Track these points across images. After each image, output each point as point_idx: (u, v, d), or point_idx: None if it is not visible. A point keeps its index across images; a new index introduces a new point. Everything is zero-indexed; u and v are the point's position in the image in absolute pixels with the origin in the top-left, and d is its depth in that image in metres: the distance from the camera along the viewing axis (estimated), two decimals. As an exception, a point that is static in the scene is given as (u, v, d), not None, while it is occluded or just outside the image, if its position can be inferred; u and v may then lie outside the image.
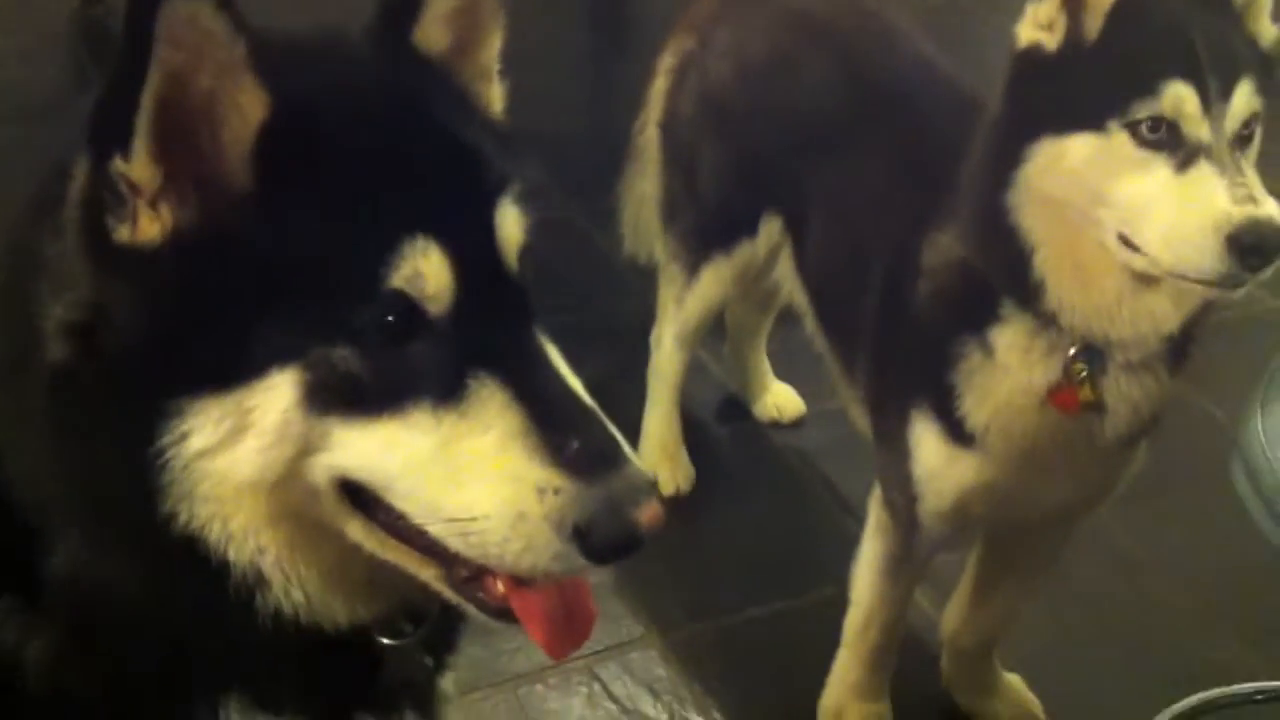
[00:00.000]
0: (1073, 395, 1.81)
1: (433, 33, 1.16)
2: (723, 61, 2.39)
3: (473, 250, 1.04)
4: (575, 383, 1.07)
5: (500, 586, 1.08)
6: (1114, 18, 1.70)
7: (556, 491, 1.00)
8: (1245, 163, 1.67)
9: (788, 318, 2.70)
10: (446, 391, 1.02)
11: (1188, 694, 2.19)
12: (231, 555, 1.05)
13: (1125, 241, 1.68)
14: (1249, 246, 1.59)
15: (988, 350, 1.85)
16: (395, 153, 1.05)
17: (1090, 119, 1.68)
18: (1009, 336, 1.83)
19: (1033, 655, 2.43)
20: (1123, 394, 1.83)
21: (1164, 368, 1.84)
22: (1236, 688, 2.26)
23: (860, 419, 2.23)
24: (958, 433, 1.91)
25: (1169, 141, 1.65)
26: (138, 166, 0.97)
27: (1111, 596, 2.62)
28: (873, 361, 2.12)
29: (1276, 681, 2.34)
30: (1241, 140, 1.67)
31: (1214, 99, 1.64)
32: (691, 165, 2.47)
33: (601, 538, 1.01)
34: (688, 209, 2.53)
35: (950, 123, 2.05)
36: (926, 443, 1.95)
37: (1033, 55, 1.74)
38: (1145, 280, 1.71)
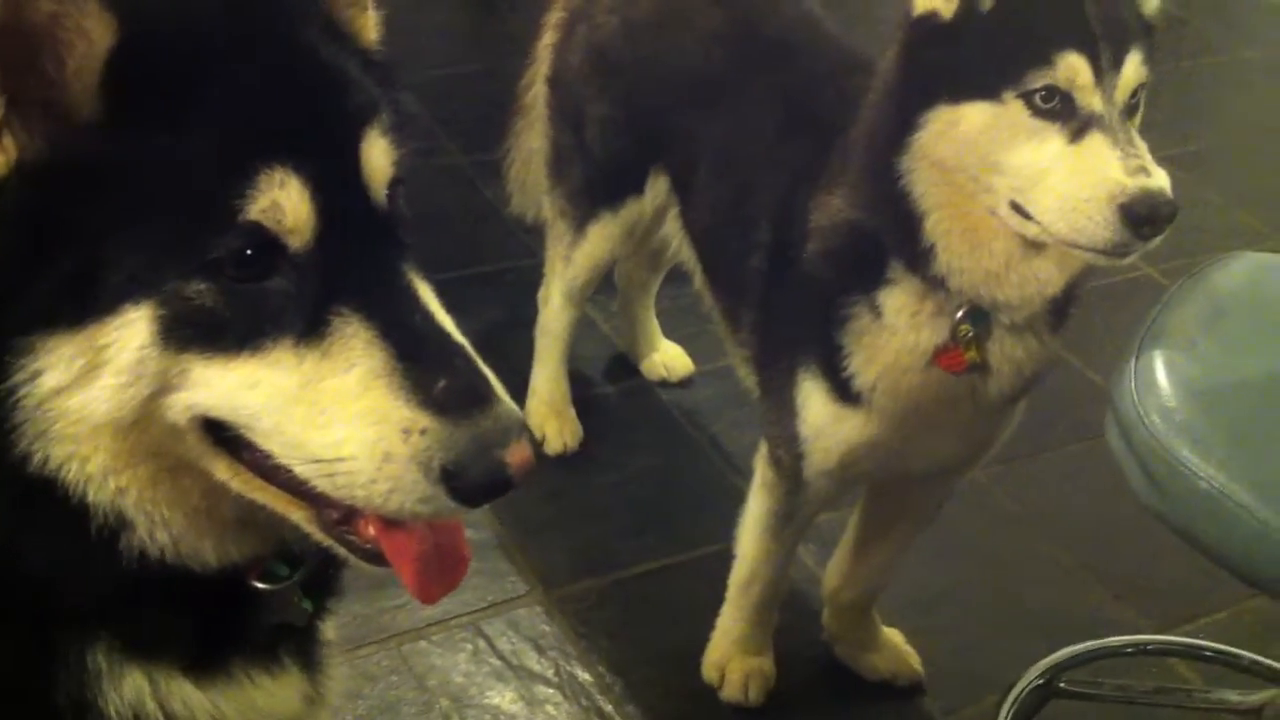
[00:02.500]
0: (958, 356, 1.83)
1: None
2: (610, 16, 2.37)
3: (336, 181, 1.01)
4: (446, 320, 1.04)
5: (370, 529, 1.05)
6: None
7: (423, 431, 0.97)
8: (1134, 132, 1.69)
9: (677, 275, 2.70)
10: (308, 328, 0.99)
11: (1061, 646, 2.24)
12: (91, 496, 1.02)
13: (1018, 209, 1.70)
14: (1142, 216, 1.61)
15: (876, 311, 1.86)
16: (252, 79, 1.01)
17: (985, 88, 1.68)
18: (897, 298, 1.84)
19: (912, 608, 2.47)
20: (1006, 354, 1.85)
21: (1046, 329, 1.88)
22: (1107, 641, 2.31)
23: (748, 377, 2.24)
24: (844, 392, 1.92)
25: (1063, 111, 1.66)
26: None
27: (987, 551, 2.68)
28: (760, 320, 2.12)
29: (1145, 636, 2.42)
30: (1130, 109, 1.70)
31: (1106, 69, 1.66)
32: (578, 121, 2.44)
33: (469, 479, 0.98)
34: (574, 166, 2.50)
35: (835, 81, 2.05)
36: (813, 401, 1.96)
37: (928, 22, 1.74)
38: (1034, 245, 1.73)
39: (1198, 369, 1.64)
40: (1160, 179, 1.63)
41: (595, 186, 2.49)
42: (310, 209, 0.98)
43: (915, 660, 2.39)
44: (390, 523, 1.04)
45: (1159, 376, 1.61)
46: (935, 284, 1.79)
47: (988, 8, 1.71)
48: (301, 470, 1.01)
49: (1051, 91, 1.66)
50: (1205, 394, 1.60)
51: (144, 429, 1.01)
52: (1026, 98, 1.66)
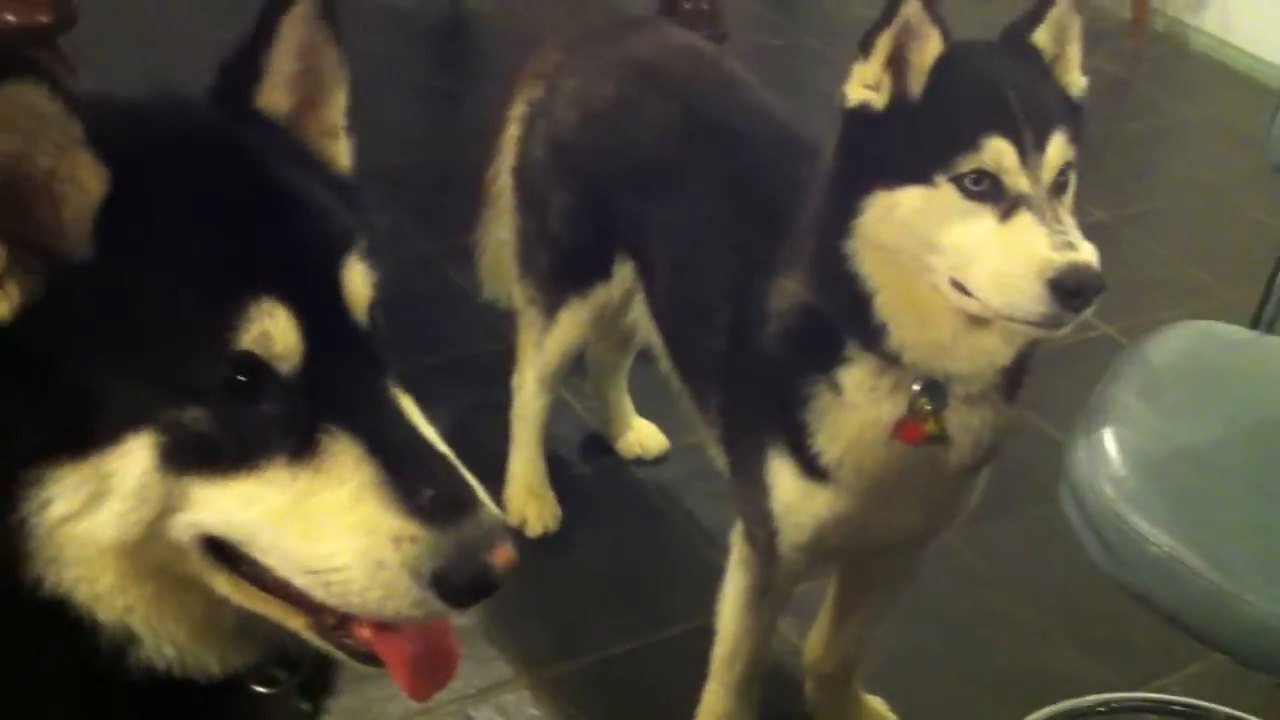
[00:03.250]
0: (917, 428, 1.89)
1: (275, 95, 1.19)
2: (569, 110, 2.44)
3: (320, 308, 1.07)
4: (429, 431, 1.10)
5: (365, 632, 1.11)
6: (935, 76, 1.79)
7: (412, 540, 1.03)
8: (1062, 209, 1.76)
9: (648, 354, 2.75)
10: (300, 447, 1.04)
11: (1036, 707, 2.28)
12: (100, 615, 1.07)
13: (957, 286, 1.76)
14: (1070, 289, 1.68)
15: (836, 389, 1.92)
16: (237, 214, 1.07)
17: (918, 173, 1.76)
18: (855, 376, 1.90)
19: (888, 674, 2.51)
20: (964, 424, 1.91)
21: (1000, 398, 1.94)
22: (1081, 700, 2.36)
23: (718, 456, 2.28)
24: (812, 468, 1.97)
25: (991, 192, 1.73)
26: None
27: (960, 613, 2.72)
28: (726, 401, 2.18)
29: (1117, 694, 2.47)
30: (1058, 187, 1.77)
31: (1030, 151, 1.73)
32: (544, 211, 2.51)
33: (458, 582, 1.04)
34: (542, 254, 2.57)
35: (785, 168, 2.12)
36: (782, 479, 2.01)
37: (863, 113, 1.82)
38: (978, 320, 1.80)
39: (1145, 439, 1.71)
40: (1086, 253, 1.70)
41: (563, 274, 2.55)
42: (297, 335, 1.04)
43: (896, 727, 2.43)
44: (383, 625, 1.10)
45: (1108, 447, 1.68)
46: (890, 360, 1.86)
47: (917, 98, 1.79)
48: (299, 581, 1.06)
49: (980, 174, 1.73)
50: (1153, 463, 1.67)
51: (149, 549, 1.06)
52: (957, 181, 1.74)
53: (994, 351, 1.84)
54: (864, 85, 1.82)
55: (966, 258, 1.74)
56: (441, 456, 1.09)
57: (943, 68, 1.79)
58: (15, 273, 1.01)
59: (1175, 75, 5.41)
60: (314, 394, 1.05)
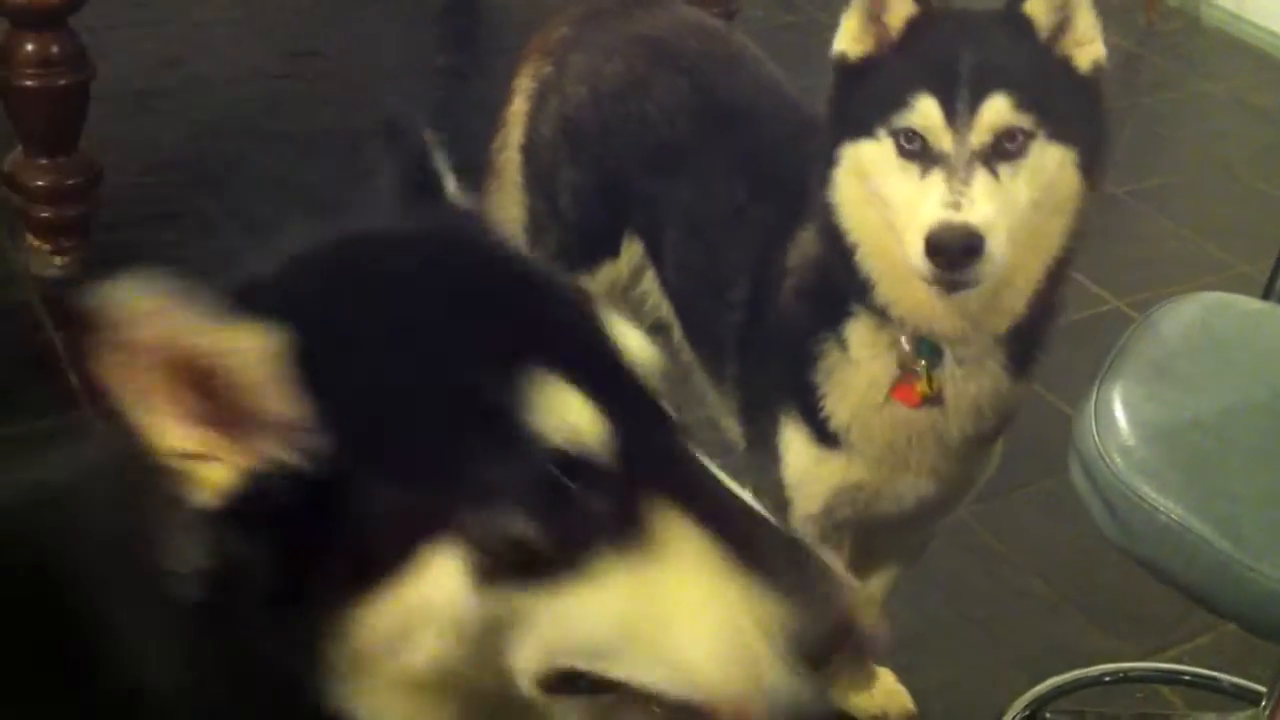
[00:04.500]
0: (911, 388, 1.90)
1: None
2: (579, 86, 2.43)
3: (608, 376, 0.96)
4: (737, 487, 0.98)
5: None
6: (905, 36, 1.82)
7: (776, 622, 0.90)
8: (1001, 175, 1.74)
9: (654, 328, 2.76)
10: (626, 536, 0.92)
11: (1045, 678, 2.29)
12: None
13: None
14: (937, 247, 1.69)
15: (843, 346, 1.93)
16: (488, 306, 0.97)
17: (869, 127, 1.80)
18: (859, 332, 1.92)
19: (899, 648, 2.49)
20: (960, 389, 1.91)
21: (1003, 368, 1.93)
22: (1089, 670, 2.37)
23: (732, 429, 2.29)
24: (823, 434, 1.98)
25: (921, 151, 1.76)
26: (171, 440, 0.90)
27: (970, 586, 2.72)
28: (741, 371, 2.18)
29: (1127, 664, 2.47)
30: (1005, 154, 1.74)
31: (960, 112, 1.74)
32: (552, 189, 2.51)
33: (838, 658, 0.92)
34: (550, 231, 2.57)
35: (795, 142, 2.13)
36: (795, 446, 2.02)
37: (842, 64, 1.86)
38: None
39: (1155, 408, 1.71)
40: (970, 214, 1.69)
41: (571, 251, 2.55)
42: (596, 415, 0.93)
43: (906, 699, 2.44)
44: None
45: (1118, 417, 1.68)
46: (884, 316, 1.87)
47: (887, 50, 1.82)
48: (658, 689, 0.94)
49: (911, 133, 1.76)
50: (1163, 432, 1.67)
51: (469, 681, 0.94)
52: (895, 137, 1.77)
53: (976, 314, 1.83)
54: (849, 36, 1.86)
55: (896, 214, 1.78)
56: (765, 518, 0.97)
57: (914, 28, 1.82)
58: (238, 449, 0.90)
59: (1188, 50, 5.38)
60: (628, 474, 0.93)
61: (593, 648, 0.93)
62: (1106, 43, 1.86)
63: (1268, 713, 2.11)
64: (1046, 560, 2.78)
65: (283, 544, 0.90)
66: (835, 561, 0.98)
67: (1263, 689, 2.25)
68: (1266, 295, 2.10)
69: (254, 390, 0.90)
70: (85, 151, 3.24)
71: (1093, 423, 1.69)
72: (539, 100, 2.55)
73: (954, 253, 1.69)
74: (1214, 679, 2.37)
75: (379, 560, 0.90)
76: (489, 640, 0.92)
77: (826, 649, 0.91)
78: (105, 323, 0.85)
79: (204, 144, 3.85)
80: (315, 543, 0.91)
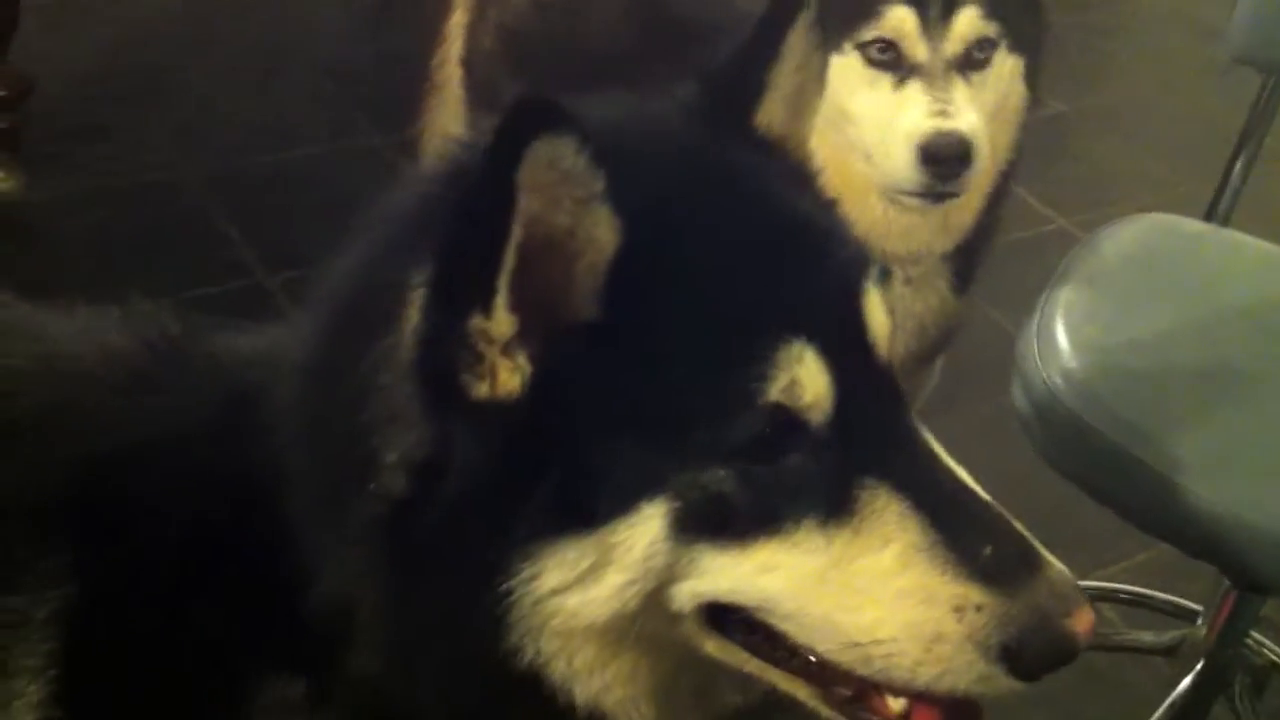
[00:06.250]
0: None
1: (772, 112, 1.08)
2: (519, -2, 2.38)
3: (846, 346, 0.94)
4: (967, 476, 0.97)
5: (893, 705, 0.97)
6: None
7: (977, 608, 0.89)
8: (959, 83, 1.75)
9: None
10: (834, 506, 0.91)
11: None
12: (576, 694, 0.96)
13: (869, 158, 1.77)
14: (932, 155, 1.69)
15: None
16: (756, 254, 0.95)
17: (832, 40, 1.76)
18: None
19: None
20: (907, 308, 1.91)
21: (947, 286, 1.94)
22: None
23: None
24: None
25: (893, 61, 1.74)
26: (498, 322, 0.88)
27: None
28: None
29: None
30: (972, 62, 1.76)
31: (934, 21, 1.73)
32: (495, 103, 2.46)
33: (1036, 655, 0.90)
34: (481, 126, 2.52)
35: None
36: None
37: None
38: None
39: (1095, 331, 1.71)
40: (959, 122, 1.71)
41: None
42: (827, 380, 0.91)
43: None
44: (921, 698, 0.96)
45: (1059, 338, 1.68)
46: None
47: None
48: (825, 650, 0.94)
49: (884, 43, 1.74)
50: (1103, 353, 1.68)
51: (639, 621, 0.94)
52: (862, 49, 1.76)
53: (925, 233, 1.85)
54: None
55: (865, 127, 1.76)
56: (990, 506, 0.95)
57: None
58: (525, 342, 0.89)
59: (1136, -35, 5.35)
60: (846, 444, 0.92)
61: (766, 602, 0.93)
62: (1052, -45, 1.86)
63: (1203, 631, 2.15)
64: (985, 479, 2.74)
65: (514, 460, 0.90)
66: (1070, 576, 0.93)
67: (1198, 607, 2.29)
68: (1209, 216, 2.10)
69: (579, 279, 0.89)
70: (14, 64, 3.16)
71: (1034, 345, 1.69)
72: (479, 12, 2.49)
73: (950, 161, 1.68)
74: (1150, 597, 2.41)
75: (598, 504, 0.90)
76: (663, 583, 0.92)
77: (1042, 653, 0.90)
78: (531, 174, 0.83)
79: (133, 56, 3.75)
80: (538, 470, 0.90)
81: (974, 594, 0.90)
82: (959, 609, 0.90)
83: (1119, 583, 2.51)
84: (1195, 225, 2.02)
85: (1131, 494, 1.60)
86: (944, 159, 1.68)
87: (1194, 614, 2.30)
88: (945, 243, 1.86)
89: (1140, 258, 1.88)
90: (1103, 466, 1.60)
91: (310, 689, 1.02)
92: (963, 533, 0.91)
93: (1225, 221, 2.10)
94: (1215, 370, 1.70)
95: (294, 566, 0.98)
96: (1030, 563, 0.92)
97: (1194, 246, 1.95)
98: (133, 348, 1.15)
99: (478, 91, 2.52)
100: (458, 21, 2.57)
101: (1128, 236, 1.91)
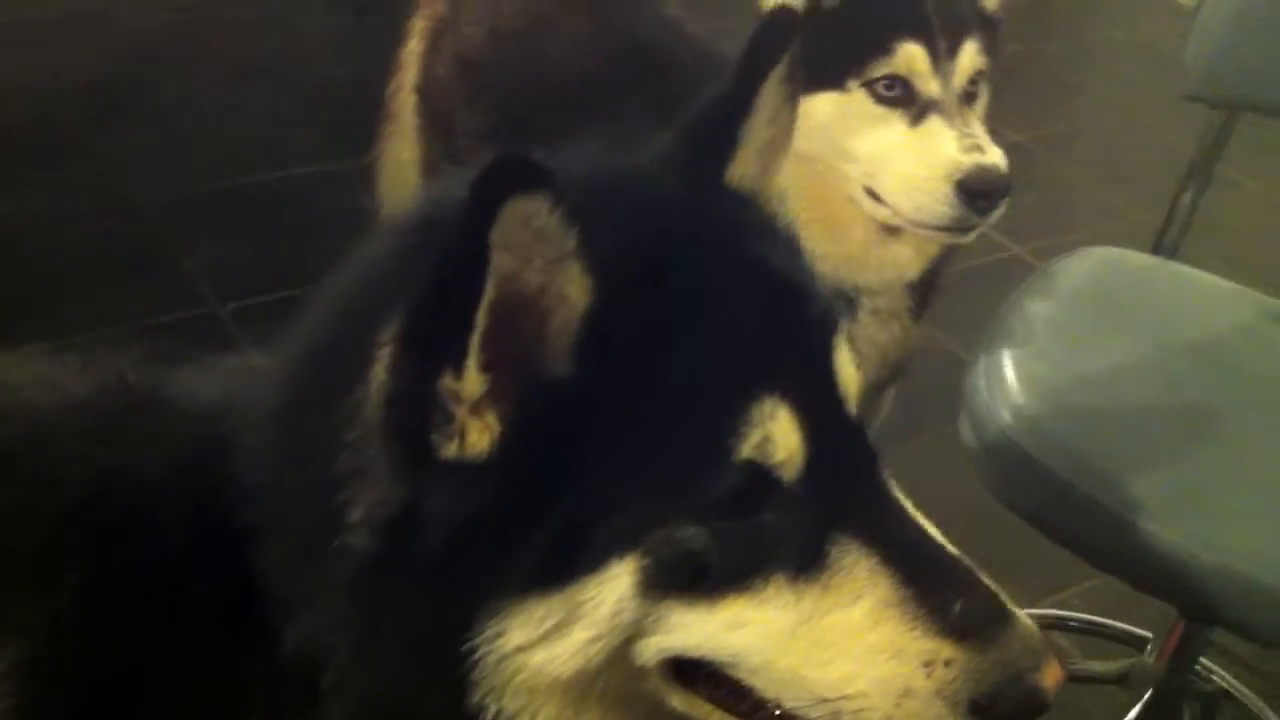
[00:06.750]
0: None
1: (745, 165, 1.07)
2: (476, 26, 2.37)
3: (818, 402, 0.93)
4: (933, 529, 0.97)
5: None
6: None
7: (946, 663, 0.90)
8: (972, 116, 1.78)
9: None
10: (804, 562, 0.91)
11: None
12: None
13: (871, 194, 1.77)
14: (977, 191, 1.71)
15: None
16: (728, 310, 0.94)
17: (832, 79, 1.76)
18: None
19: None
20: (872, 339, 1.92)
21: (909, 314, 1.95)
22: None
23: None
24: None
25: (903, 98, 1.75)
26: (469, 382, 0.87)
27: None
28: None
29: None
30: (968, 96, 1.79)
31: (942, 57, 1.75)
32: (449, 131, 2.45)
33: (1006, 710, 0.91)
34: (449, 174, 2.51)
35: (700, 79, 2.09)
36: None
37: (781, 17, 1.81)
38: (889, 230, 1.81)
39: (1045, 367, 1.71)
40: (994, 155, 1.73)
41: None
42: (800, 436, 0.91)
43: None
44: None
45: (1007, 374, 1.69)
46: None
47: (832, 3, 1.78)
48: (794, 706, 0.94)
49: (892, 80, 1.75)
50: (1052, 391, 1.68)
51: (604, 677, 0.94)
52: (869, 86, 1.76)
53: (905, 263, 1.87)
54: None
55: (878, 163, 1.76)
56: (960, 561, 0.95)
57: None
58: (495, 401, 0.88)
59: (1095, -5, 5.41)
60: (816, 499, 0.92)
61: (734, 657, 0.93)
62: (1012, -14, 1.89)
63: (1153, 658, 2.15)
64: (937, 505, 2.74)
65: (482, 519, 0.89)
66: (1037, 630, 0.94)
67: (1148, 634, 2.30)
68: (1156, 249, 2.11)
69: (550, 336, 0.88)
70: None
71: (983, 380, 1.69)
72: (435, 40, 2.48)
73: (991, 195, 1.70)
74: (1103, 625, 2.41)
75: (566, 561, 0.89)
76: (629, 639, 0.92)
77: (1011, 708, 0.90)
78: (505, 234, 0.82)
79: (98, 77, 3.74)
80: (506, 528, 0.89)
81: (944, 649, 0.90)
82: (929, 664, 0.90)
83: (1070, 609, 2.52)
84: (1144, 259, 2.03)
85: (1082, 530, 1.60)
86: (985, 193, 1.70)
87: (1144, 641, 2.31)
88: (915, 271, 1.88)
89: (1090, 292, 1.89)
90: (1053, 503, 1.60)
91: None
92: (933, 588, 0.92)
93: (1174, 253, 2.12)
94: (1165, 406, 1.71)
95: (267, 617, 0.97)
96: (1000, 618, 0.92)
97: (1143, 281, 1.97)
98: (92, 395, 1.13)
99: (432, 120, 2.51)
100: (413, 49, 2.56)
101: (1077, 271, 1.92)
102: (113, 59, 3.84)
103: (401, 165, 2.71)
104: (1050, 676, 0.92)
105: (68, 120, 3.53)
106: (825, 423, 0.93)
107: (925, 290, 1.96)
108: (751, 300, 0.96)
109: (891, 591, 0.91)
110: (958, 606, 0.91)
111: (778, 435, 0.90)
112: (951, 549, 0.96)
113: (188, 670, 1.01)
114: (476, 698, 0.93)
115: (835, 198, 1.80)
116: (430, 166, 2.55)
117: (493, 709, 0.94)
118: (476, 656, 0.92)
